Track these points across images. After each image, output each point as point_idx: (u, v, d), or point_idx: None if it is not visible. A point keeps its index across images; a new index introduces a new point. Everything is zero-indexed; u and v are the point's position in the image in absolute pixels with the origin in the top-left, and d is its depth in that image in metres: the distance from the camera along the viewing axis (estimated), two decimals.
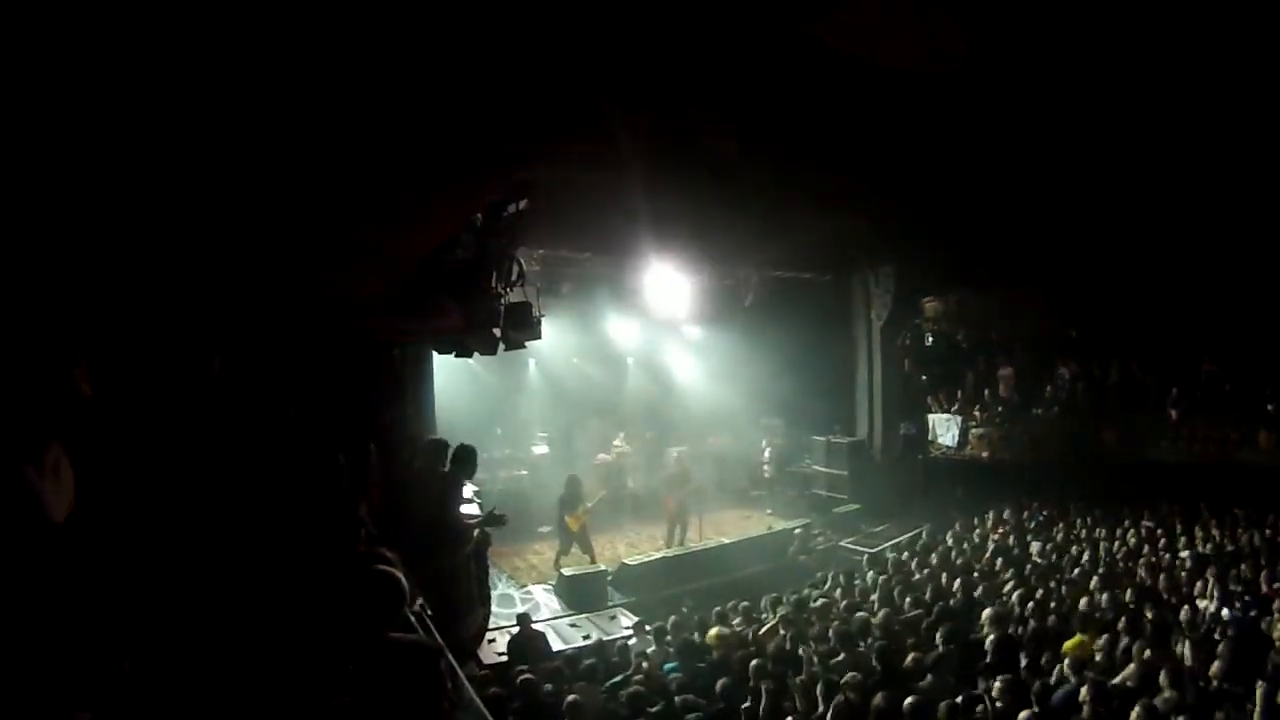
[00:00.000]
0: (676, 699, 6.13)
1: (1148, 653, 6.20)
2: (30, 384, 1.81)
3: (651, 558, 12.39)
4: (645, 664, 7.34)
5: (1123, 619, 7.16)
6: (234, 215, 4.21)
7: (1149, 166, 12.02)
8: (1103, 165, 12.22)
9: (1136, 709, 5.06)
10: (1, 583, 1.55)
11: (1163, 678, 5.70)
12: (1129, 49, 7.83)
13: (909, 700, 5.51)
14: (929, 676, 6.13)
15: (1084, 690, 5.43)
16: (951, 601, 8.35)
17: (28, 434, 1.76)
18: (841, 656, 6.75)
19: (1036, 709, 5.33)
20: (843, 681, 5.95)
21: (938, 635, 7.01)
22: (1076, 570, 9.42)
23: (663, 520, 14.09)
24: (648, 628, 8.99)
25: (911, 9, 5.84)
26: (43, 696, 1.55)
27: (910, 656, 6.61)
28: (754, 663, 6.64)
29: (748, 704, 6.05)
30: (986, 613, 7.53)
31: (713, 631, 8.02)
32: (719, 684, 6.23)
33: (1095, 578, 8.83)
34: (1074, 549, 10.67)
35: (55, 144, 3.04)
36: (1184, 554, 9.74)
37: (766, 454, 16.81)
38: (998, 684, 5.81)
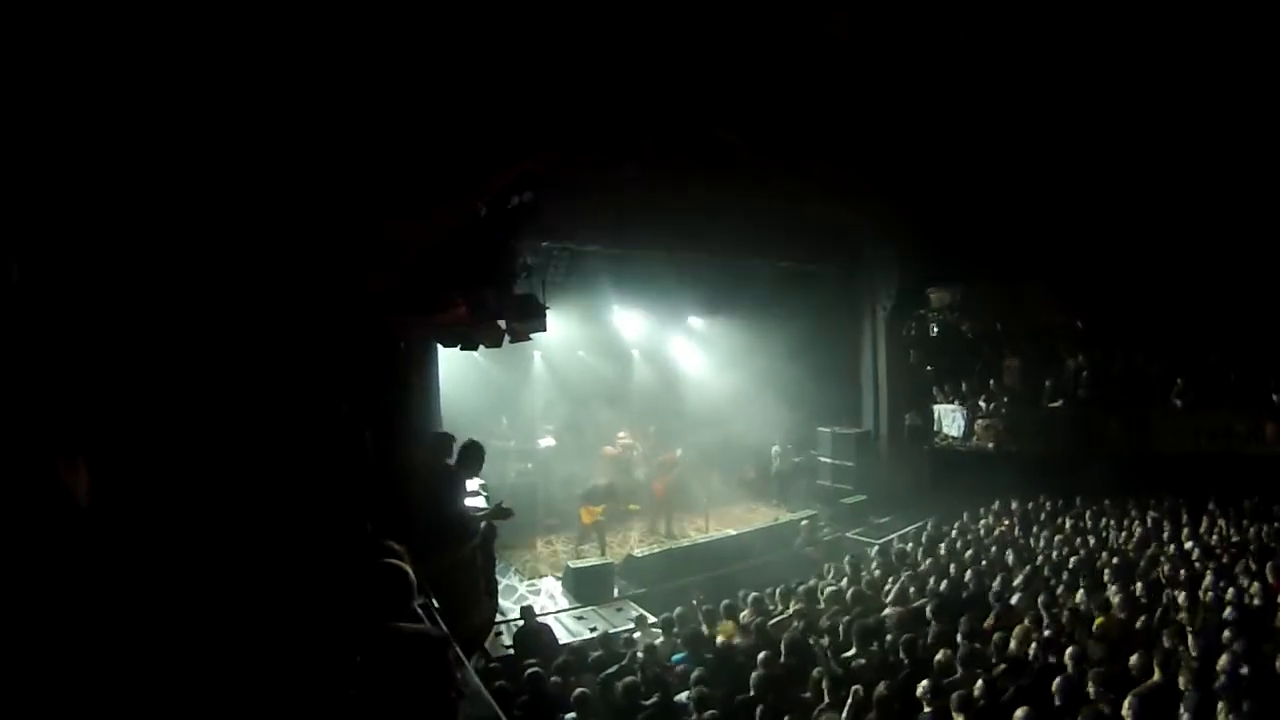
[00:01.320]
0: (683, 695, 6.12)
1: (1156, 643, 6.20)
2: (62, 390, 1.83)
3: (657, 550, 12.42)
4: (640, 654, 7.34)
5: (1130, 610, 7.17)
6: (256, 211, 4.23)
7: (1154, 158, 11.98)
8: (1108, 156, 12.17)
9: (1129, 698, 5.08)
10: (30, 568, 1.57)
11: (1166, 669, 5.71)
12: (1134, 43, 7.79)
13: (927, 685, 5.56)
14: (960, 670, 6.13)
15: (1092, 680, 5.45)
16: (964, 595, 8.34)
17: (59, 432, 1.78)
18: (856, 651, 6.75)
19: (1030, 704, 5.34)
20: (863, 679, 5.96)
21: (954, 628, 7.03)
22: (1082, 562, 9.39)
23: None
24: (651, 620, 9.00)
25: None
26: (69, 684, 1.57)
27: (941, 653, 6.57)
28: (762, 655, 6.64)
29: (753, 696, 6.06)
30: (996, 608, 7.57)
31: (726, 624, 8.04)
32: (754, 676, 6.21)
33: (1102, 569, 8.82)
34: (1079, 540, 10.66)
35: (98, 158, 3.07)
36: (1189, 545, 9.72)
37: (775, 449, 16.79)
38: (1001, 670, 5.83)
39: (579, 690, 6.11)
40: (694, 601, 9.06)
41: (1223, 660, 5.64)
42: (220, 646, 2.41)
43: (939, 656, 6.37)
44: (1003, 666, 6.04)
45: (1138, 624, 6.88)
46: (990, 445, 15.39)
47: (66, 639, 1.58)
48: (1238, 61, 8.89)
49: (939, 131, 10.91)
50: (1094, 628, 6.84)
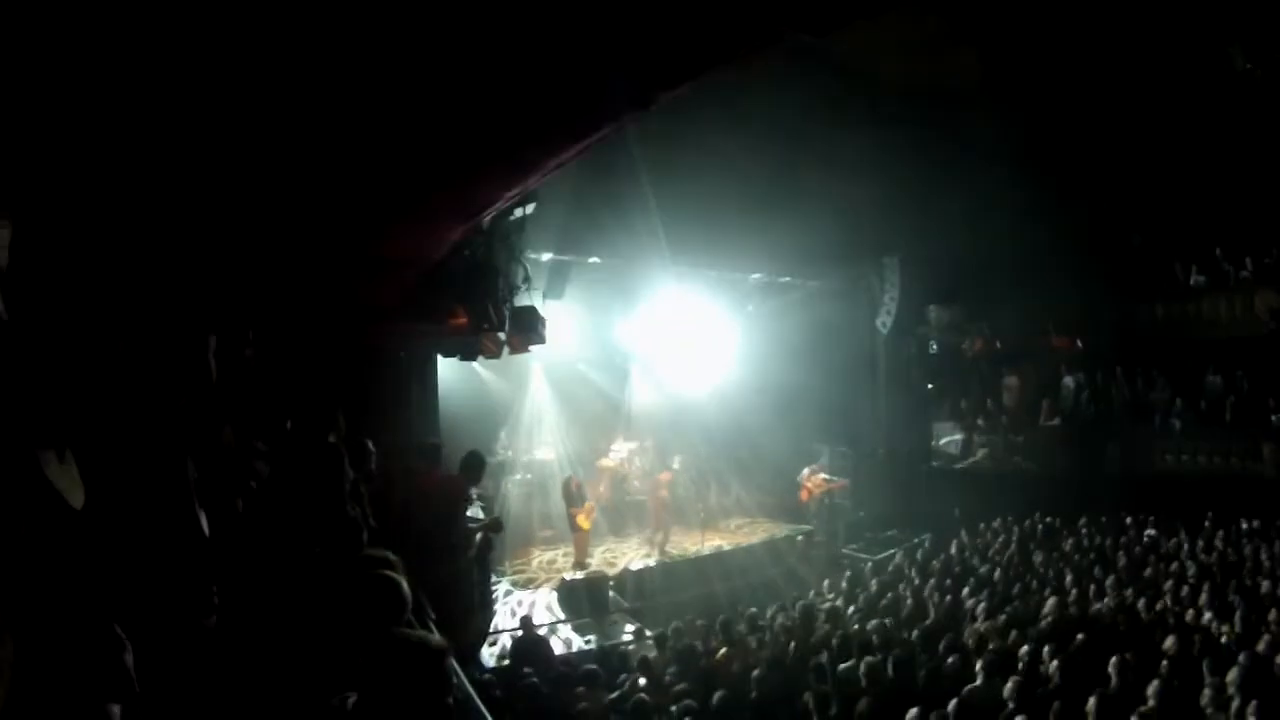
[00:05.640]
0: (675, 706, 6.10)
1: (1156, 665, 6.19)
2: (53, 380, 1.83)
3: (654, 563, 12.40)
4: (650, 670, 7.30)
5: (1127, 629, 7.16)
6: (252, 215, 4.24)
7: (1154, 175, 12.06)
8: (1106, 176, 12.26)
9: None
10: (24, 568, 1.56)
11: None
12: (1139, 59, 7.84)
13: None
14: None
15: (1091, 702, 5.43)
16: (967, 610, 8.33)
17: (45, 426, 1.77)
18: (848, 667, 6.72)
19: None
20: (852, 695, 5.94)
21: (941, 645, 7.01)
22: (1080, 581, 9.38)
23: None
24: (648, 634, 8.96)
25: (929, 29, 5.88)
26: (73, 688, 1.57)
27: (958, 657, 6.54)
28: (755, 673, 6.62)
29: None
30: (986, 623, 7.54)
31: (721, 640, 8.02)
32: (716, 696, 6.19)
33: (1098, 588, 8.81)
34: (1077, 559, 10.64)
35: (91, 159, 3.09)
36: (1187, 565, 9.70)
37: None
38: (1010, 687, 5.82)
39: (581, 705, 6.07)
40: (688, 617, 9.02)
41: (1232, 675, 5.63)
42: (215, 654, 2.41)
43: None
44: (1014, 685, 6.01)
45: (1135, 643, 6.85)
46: (989, 464, 15.40)
47: (54, 651, 1.58)
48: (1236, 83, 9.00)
49: (943, 150, 11.00)
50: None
